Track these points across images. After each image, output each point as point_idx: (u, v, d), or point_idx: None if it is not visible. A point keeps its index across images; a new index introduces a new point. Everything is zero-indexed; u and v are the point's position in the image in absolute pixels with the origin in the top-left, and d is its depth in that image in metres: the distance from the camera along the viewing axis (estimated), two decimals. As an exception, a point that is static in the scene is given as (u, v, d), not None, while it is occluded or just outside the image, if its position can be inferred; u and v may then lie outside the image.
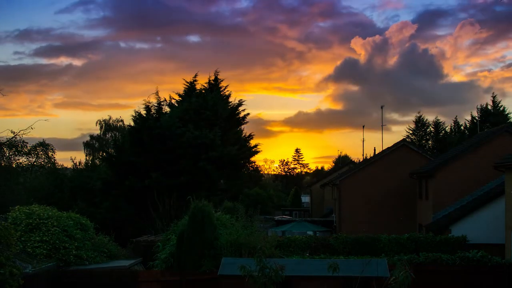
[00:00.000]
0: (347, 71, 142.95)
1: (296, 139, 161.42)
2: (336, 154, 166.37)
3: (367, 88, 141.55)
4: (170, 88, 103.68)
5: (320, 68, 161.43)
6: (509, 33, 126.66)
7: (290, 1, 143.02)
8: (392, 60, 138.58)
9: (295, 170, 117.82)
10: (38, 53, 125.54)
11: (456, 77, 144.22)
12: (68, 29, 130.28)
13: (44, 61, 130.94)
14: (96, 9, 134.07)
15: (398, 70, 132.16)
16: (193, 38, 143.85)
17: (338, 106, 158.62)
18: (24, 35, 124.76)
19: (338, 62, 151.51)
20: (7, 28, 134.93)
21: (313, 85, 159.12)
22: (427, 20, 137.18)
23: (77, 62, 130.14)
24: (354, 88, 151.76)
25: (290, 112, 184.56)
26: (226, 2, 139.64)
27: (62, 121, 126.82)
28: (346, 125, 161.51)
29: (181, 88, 42.23)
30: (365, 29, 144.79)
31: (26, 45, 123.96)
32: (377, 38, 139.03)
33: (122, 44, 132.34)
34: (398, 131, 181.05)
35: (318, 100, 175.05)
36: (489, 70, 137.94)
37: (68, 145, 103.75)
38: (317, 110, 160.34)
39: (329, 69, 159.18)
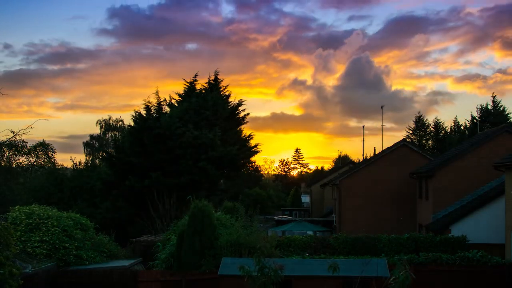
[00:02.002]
0: (318, 79, 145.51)
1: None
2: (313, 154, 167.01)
3: (334, 94, 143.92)
4: (168, 91, 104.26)
5: (295, 74, 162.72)
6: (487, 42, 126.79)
7: (269, 13, 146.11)
8: (342, 71, 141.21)
9: (295, 169, 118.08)
10: (42, 58, 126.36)
11: (448, 82, 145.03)
12: (70, 37, 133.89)
13: (46, 66, 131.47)
14: (97, 19, 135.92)
15: (347, 80, 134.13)
16: (187, 47, 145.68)
17: (300, 111, 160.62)
18: (27, 42, 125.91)
19: (313, 69, 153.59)
20: (11, 34, 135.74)
21: (285, 91, 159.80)
22: (400, 29, 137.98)
23: (78, 67, 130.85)
24: (324, 94, 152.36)
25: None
26: (214, 14, 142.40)
27: (62, 123, 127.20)
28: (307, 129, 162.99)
29: (180, 89, 42.29)
30: (343, 37, 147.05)
31: (29, 51, 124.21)
32: (352, 46, 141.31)
33: (120, 52, 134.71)
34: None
35: (287, 105, 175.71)
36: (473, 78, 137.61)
37: (67, 147, 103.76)
38: (271, 114, 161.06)
39: (301, 76, 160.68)
